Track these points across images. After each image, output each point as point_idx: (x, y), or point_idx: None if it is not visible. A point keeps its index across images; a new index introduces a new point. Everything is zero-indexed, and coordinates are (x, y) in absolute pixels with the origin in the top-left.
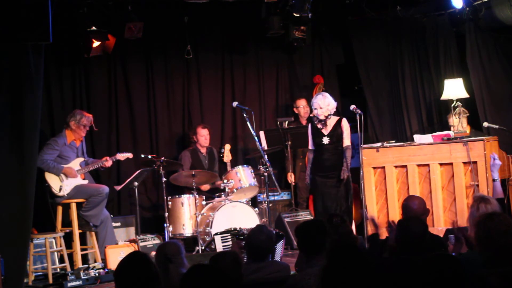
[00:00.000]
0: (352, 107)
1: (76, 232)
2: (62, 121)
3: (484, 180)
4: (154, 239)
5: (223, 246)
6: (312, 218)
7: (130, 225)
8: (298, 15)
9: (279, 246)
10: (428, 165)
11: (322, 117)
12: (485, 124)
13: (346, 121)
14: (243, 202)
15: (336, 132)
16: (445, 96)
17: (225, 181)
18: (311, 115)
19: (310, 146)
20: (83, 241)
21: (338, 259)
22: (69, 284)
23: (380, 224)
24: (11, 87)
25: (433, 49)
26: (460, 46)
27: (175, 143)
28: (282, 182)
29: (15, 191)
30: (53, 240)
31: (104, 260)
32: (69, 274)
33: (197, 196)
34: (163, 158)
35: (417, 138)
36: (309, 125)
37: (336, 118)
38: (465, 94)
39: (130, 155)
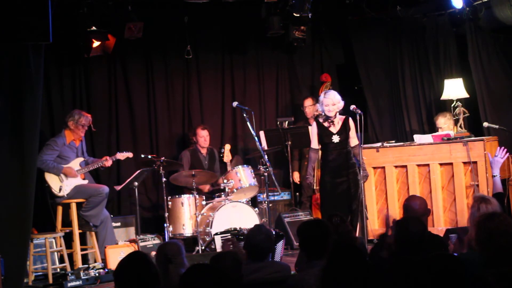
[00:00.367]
0: (352, 107)
1: (76, 232)
2: (62, 121)
3: (484, 180)
4: (154, 239)
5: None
6: (312, 218)
7: (130, 225)
8: (298, 15)
9: (279, 246)
10: (428, 165)
11: (332, 114)
12: (485, 124)
13: (351, 119)
14: (243, 202)
15: (345, 130)
16: (445, 96)
17: (225, 181)
18: (315, 113)
19: (314, 146)
20: (83, 241)
21: (338, 259)
22: (69, 284)
23: (379, 224)
24: (11, 87)
25: (433, 49)
26: (460, 46)
27: (175, 143)
28: (282, 181)
29: (15, 191)
30: (53, 240)
31: (104, 260)
32: (69, 274)
33: (197, 196)
34: (163, 158)
35: (417, 138)
36: (314, 124)
37: (342, 116)
38: (465, 94)
39: (130, 155)
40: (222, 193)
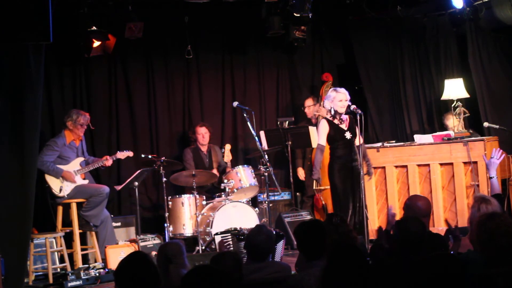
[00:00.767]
0: (353, 107)
1: (77, 232)
2: (62, 121)
3: (484, 180)
4: (154, 239)
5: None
6: (311, 218)
7: (130, 225)
8: (299, 15)
9: (280, 246)
10: (428, 165)
11: (343, 110)
12: (486, 124)
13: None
14: (243, 202)
15: (354, 127)
16: (445, 96)
17: (225, 181)
18: (315, 113)
19: (322, 142)
20: (84, 241)
21: (339, 259)
22: (69, 284)
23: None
24: (12, 87)
25: (434, 49)
26: (460, 46)
27: (176, 143)
28: (282, 182)
29: (15, 191)
30: (54, 240)
31: (104, 260)
32: (70, 274)
33: (197, 196)
34: (163, 158)
35: (418, 138)
36: (324, 121)
37: (347, 115)
38: (465, 94)
39: (130, 154)
40: (223, 193)
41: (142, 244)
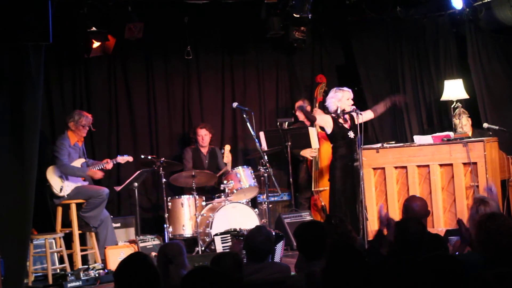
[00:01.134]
0: (352, 107)
1: (76, 232)
2: (62, 121)
3: (484, 181)
4: (154, 240)
5: (223, 247)
6: (312, 218)
7: (130, 226)
8: (298, 15)
9: (279, 247)
10: (428, 166)
11: (350, 108)
12: (485, 125)
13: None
14: (243, 203)
15: (355, 125)
16: (445, 97)
17: (225, 181)
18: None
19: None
20: (83, 242)
21: (338, 259)
22: (69, 285)
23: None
24: (11, 87)
25: (433, 50)
26: (460, 47)
27: (175, 144)
28: (281, 182)
29: (15, 191)
30: (53, 240)
31: (104, 261)
32: (69, 274)
33: (197, 197)
34: (163, 158)
35: (417, 139)
36: (329, 118)
37: (347, 114)
38: (465, 95)
39: (130, 159)
40: (222, 193)
41: (141, 245)
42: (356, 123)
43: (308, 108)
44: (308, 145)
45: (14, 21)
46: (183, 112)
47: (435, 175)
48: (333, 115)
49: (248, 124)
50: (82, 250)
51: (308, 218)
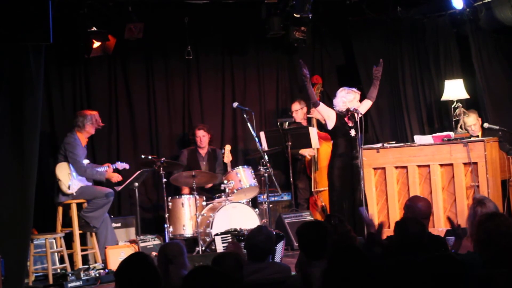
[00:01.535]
0: (353, 107)
1: (77, 232)
2: (62, 121)
3: (484, 181)
4: (154, 240)
5: (223, 246)
6: (312, 219)
7: (130, 226)
8: (299, 16)
9: (279, 247)
10: (428, 166)
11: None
12: (485, 125)
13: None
14: (243, 203)
15: (357, 124)
16: (445, 97)
17: (225, 181)
18: (309, 115)
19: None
20: (83, 242)
21: (340, 259)
22: (69, 285)
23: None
24: (11, 87)
25: (434, 50)
26: (460, 47)
27: (176, 144)
28: (282, 182)
29: (15, 191)
30: (54, 240)
31: (104, 261)
32: (69, 274)
33: (197, 197)
34: (163, 158)
35: (418, 139)
36: (333, 112)
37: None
38: (465, 95)
39: (127, 166)
40: (223, 193)
41: (142, 244)
42: (357, 120)
43: (305, 109)
44: (308, 145)
45: (14, 21)
46: (183, 112)
47: (436, 175)
48: (339, 112)
49: (248, 124)
50: (82, 250)
51: (309, 218)
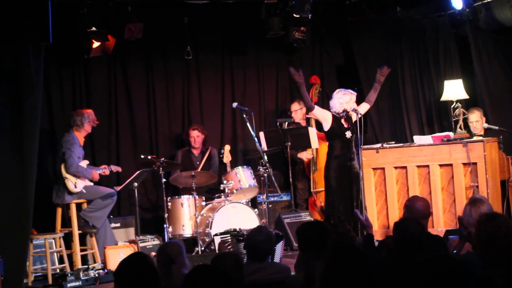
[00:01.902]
0: (351, 107)
1: (76, 232)
2: (62, 121)
3: (484, 182)
4: (153, 240)
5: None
6: (312, 219)
7: (129, 226)
8: (298, 16)
9: (279, 247)
10: (428, 166)
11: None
12: (485, 125)
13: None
14: (242, 203)
15: (353, 126)
16: (445, 97)
17: (224, 181)
18: (307, 115)
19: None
20: (83, 242)
21: (340, 259)
22: (68, 285)
23: (379, 225)
24: (11, 87)
25: (433, 50)
26: (460, 47)
27: (175, 144)
28: (281, 183)
29: (15, 191)
30: (53, 240)
31: (103, 261)
32: (69, 274)
33: (196, 197)
34: (162, 158)
35: (417, 139)
36: (330, 114)
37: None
38: (465, 95)
39: (120, 169)
40: (222, 193)
41: (141, 245)
42: (353, 121)
43: (304, 109)
44: (308, 145)
45: (14, 21)
46: (183, 112)
47: (435, 175)
48: (335, 113)
49: (248, 124)
50: (82, 250)
51: (308, 218)
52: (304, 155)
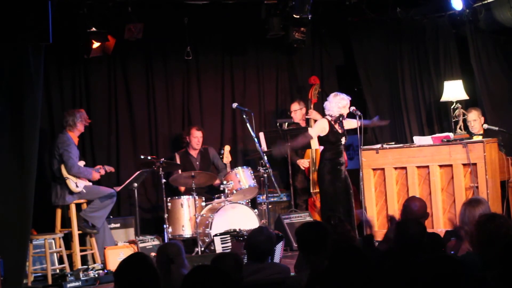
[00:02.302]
0: (352, 108)
1: (76, 233)
2: (62, 121)
3: (483, 182)
4: (153, 240)
5: (222, 247)
6: (312, 219)
7: (129, 226)
8: (298, 16)
9: (279, 248)
10: (427, 166)
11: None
12: (485, 126)
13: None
14: (242, 204)
15: (345, 132)
16: (444, 97)
17: (224, 182)
18: (307, 116)
19: (313, 135)
20: (82, 242)
21: (341, 259)
22: (68, 285)
23: (379, 225)
24: (11, 87)
25: (433, 51)
26: (460, 48)
27: (175, 144)
28: (281, 183)
29: (15, 192)
30: (53, 241)
31: (103, 261)
32: (69, 275)
33: (196, 197)
34: (162, 159)
35: (417, 139)
36: (325, 120)
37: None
38: (464, 96)
39: (113, 170)
40: (222, 194)
41: (141, 245)
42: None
43: (304, 110)
44: (308, 146)
45: (14, 21)
46: (183, 112)
47: (435, 176)
48: (330, 119)
49: (247, 124)
50: (81, 251)
51: (308, 219)
52: (301, 163)
